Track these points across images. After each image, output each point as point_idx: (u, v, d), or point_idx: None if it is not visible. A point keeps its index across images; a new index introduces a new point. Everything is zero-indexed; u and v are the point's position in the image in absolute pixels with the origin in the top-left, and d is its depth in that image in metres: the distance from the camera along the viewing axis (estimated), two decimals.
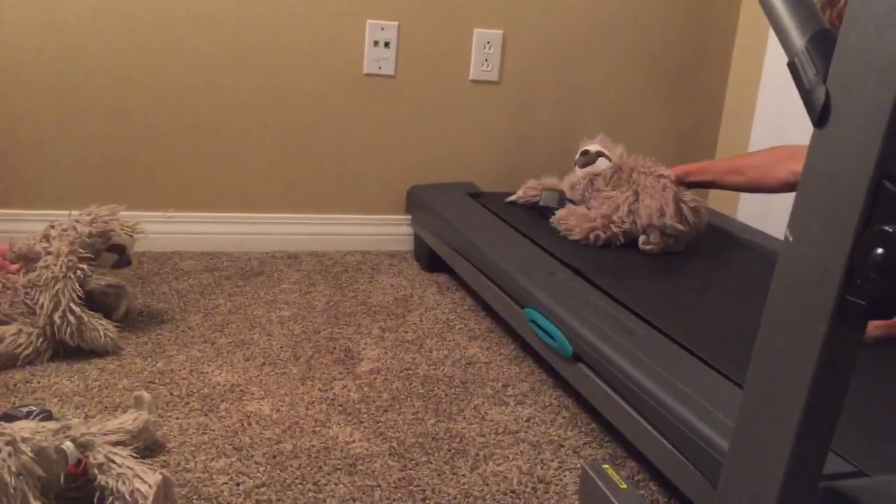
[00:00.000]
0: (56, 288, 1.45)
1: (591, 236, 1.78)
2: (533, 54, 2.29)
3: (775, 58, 2.27)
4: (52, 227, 1.53)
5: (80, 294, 1.48)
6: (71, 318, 1.45)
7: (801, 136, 2.13)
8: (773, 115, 2.28)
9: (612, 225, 1.77)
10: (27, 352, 1.43)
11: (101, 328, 1.50)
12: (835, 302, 0.72)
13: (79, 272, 1.48)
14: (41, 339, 1.46)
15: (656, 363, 1.19)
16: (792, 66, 0.78)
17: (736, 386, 1.13)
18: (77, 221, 1.53)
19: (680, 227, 1.73)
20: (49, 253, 1.48)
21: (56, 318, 1.44)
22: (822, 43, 0.75)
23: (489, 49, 2.24)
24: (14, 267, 1.52)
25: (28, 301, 1.48)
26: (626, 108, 2.43)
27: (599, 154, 1.89)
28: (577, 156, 1.96)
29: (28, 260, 1.50)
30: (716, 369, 1.19)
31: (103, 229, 1.55)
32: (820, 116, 0.74)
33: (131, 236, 1.59)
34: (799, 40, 0.77)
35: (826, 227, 0.73)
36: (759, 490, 0.81)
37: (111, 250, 1.59)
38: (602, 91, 2.39)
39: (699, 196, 1.88)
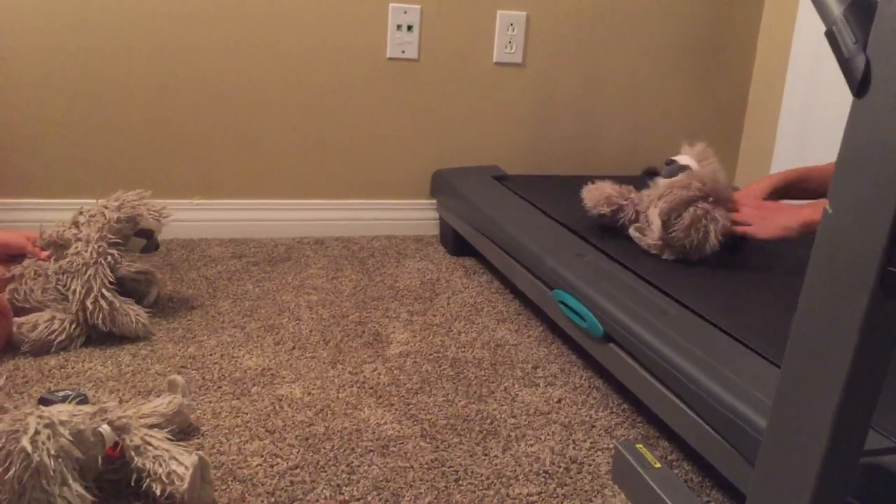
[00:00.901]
0: (88, 274, 1.46)
1: (600, 204, 1.69)
2: (557, 35, 2.28)
3: (803, 36, 2.24)
4: (81, 213, 1.55)
5: (111, 280, 1.49)
6: (103, 303, 1.46)
7: (833, 117, 2.10)
8: (802, 95, 2.25)
9: (620, 199, 1.68)
10: (61, 338, 1.45)
11: (133, 314, 1.51)
12: (877, 274, 0.71)
13: (109, 258, 1.50)
14: (74, 325, 1.47)
15: (690, 343, 1.18)
16: (830, 35, 0.76)
17: (771, 364, 1.12)
18: (105, 207, 1.54)
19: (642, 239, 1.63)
20: (79, 239, 1.50)
21: (88, 303, 1.45)
22: (861, 10, 0.74)
23: (513, 31, 2.23)
24: (45, 254, 1.53)
25: (60, 287, 1.49)
26: (651, 89, 2.41)
27: (683, 169, 1.64)
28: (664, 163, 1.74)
29: (58, 247, 1.51)
30: (750, 348, 1.18)
31: (131, 214, 1.56)
32: (860, 85, 0.73)
33: (159, 220, 1.60)
34: (837, 8, 0.76)
35: (867, 197, 0.72)
36: (798, 467, 0.80)
37: (139, 235, 1.60)
38: (626, 72, 2.37)
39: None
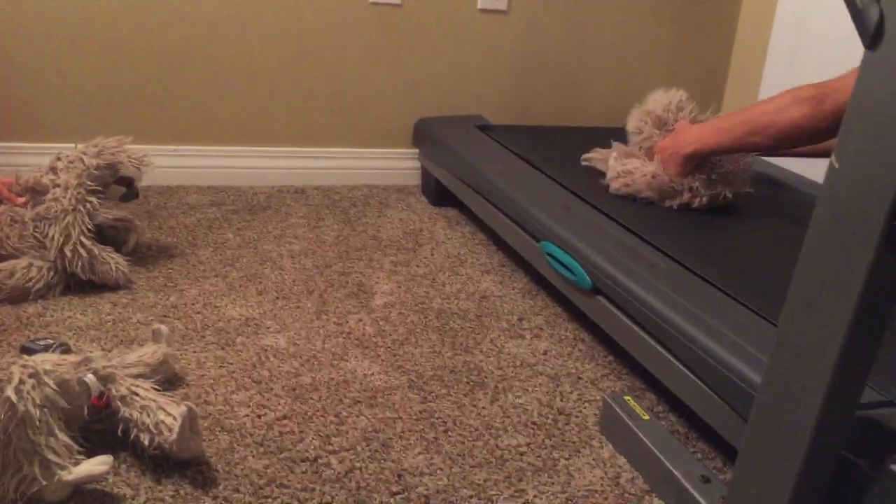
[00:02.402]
0: (66, 221, 1.42)
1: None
2: None
3: None
4: (59, 159, 1.50)
5: (90, 227, 1.46)
6: (82, 251, 1.43)
7: (819, 64, 2.09)
8: (789, 42, 2.23)
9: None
10: (39, 285, 1.42)
11: (112, 262, 1.48)
12: (883, 228, 0.71)
13: (88, 205, 1.46)
14: (52, 273, 1.44)
15: (680, 296, 1.18)
16: None
17: (761, 318, 1.12)
18: (84, 153, 1.50)
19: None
20: (57, 185, 1.46)
21: (67, 251, 1.42)
22: None
23: None
24: (21, 200, 1.49)
25: (37, 234, 1.45)
26: (638, 38, 2.38)
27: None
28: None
29: (35, 193, 1.47)
30: (739, 301, 1.18)
31: (111, 161, 1.52)
32: (872, 38, 0.72)
33: (139, 168, 1.56)
34: None
35: (876, 150, 0.71)
36: (794, 421, 0.81)
37: (119, 183, 1.56)
38: (613, 20, 2.34)
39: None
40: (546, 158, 1.85)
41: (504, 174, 1.75)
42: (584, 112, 2.39)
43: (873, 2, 0.71)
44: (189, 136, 2.07)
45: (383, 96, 2.20)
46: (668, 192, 1.59)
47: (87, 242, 1.45)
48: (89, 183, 1.47)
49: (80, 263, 1.44)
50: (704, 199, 1.57)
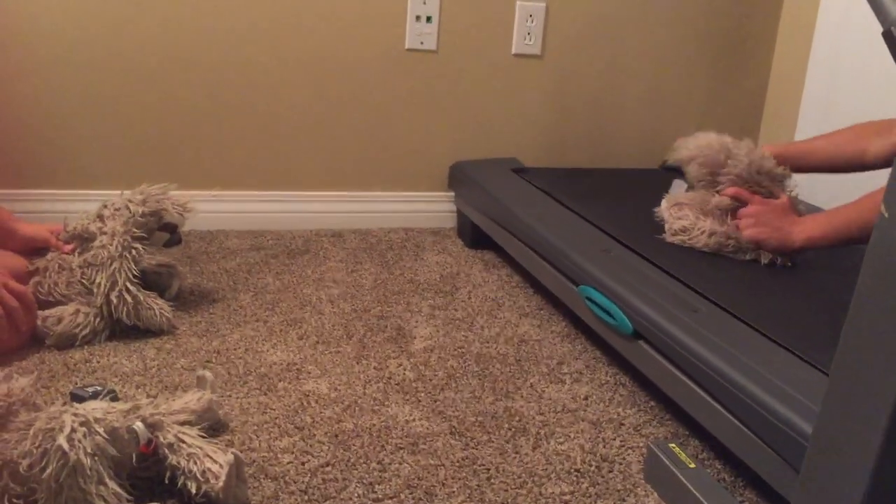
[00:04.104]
0: (112, 267, 1.45)
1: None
2: (576, 27, 2.26)
3: (825, 27, 2.22)
4: (105, 206, 1.54)
5: (135, 273, 1.48)
6: (127, 297, 1.45)
7: (853, 109, 2.09)
8: (823, 87, 2.23)
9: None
10: (85, 332, 1.44)
11: (157, 307, 1.50)
12: None
13: (133, 252, 1.49)
14: (98, 319, 1.46)
15: (724, 341, 1.17)
16: (888, 36, 0.75)
17: (809, 365, 1.11)
18: (130, 201, 1.53)
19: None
20: (104, 233, 1.49)
21: (113, 297, 1.45)
22: None
23: (532, 22, 2.21)
24: (69, 247, 1.52)
25: (84, 281, 1.48)
26: (670, 82, 2.39)
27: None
28: None
29: (83, 240, 1.51)
30: (786, 348, 1.17)
31: (156, 209, 1.54)
32: None
33: (182, 215, 1.59)
34: (895, 8, 0.74)
35: None
36: (849, 472, 0.80)
37: (163, 229, 1.58)
38: (646, 65, 2.35)
39: None
40: (582, 201, 1.86)
41: (540, 217, 1.76)
42: (618, 155, 2.39)
43: None
44: (228, 181, 2.11)
45: (419, 140, 2.22)
46: (722, 249, 1.58)
47: (133, 288, 1.47)
48: (135, 230, 1.50)
49: (125, 309, 1.46)
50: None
